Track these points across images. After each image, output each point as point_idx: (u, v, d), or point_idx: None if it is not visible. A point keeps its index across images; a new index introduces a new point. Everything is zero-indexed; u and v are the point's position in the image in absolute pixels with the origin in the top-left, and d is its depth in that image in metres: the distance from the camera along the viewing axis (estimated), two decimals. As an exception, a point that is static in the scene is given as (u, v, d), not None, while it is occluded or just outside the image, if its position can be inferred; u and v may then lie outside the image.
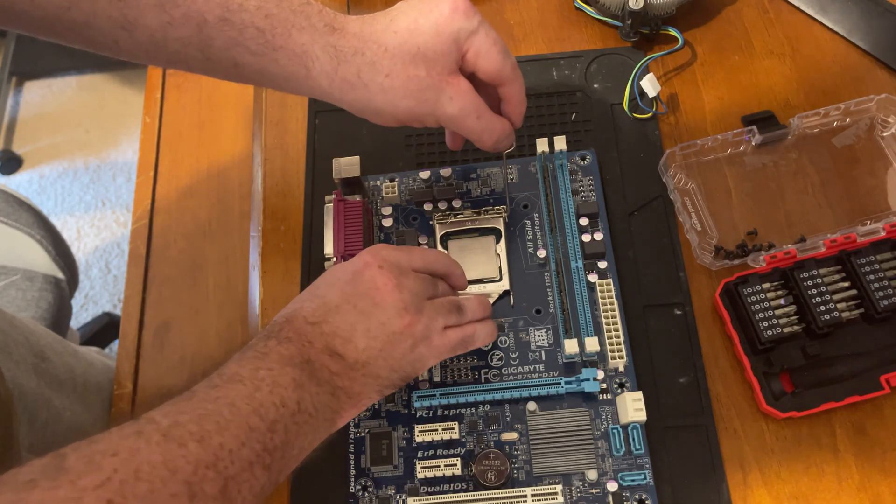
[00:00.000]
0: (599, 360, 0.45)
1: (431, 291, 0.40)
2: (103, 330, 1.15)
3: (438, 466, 0.42)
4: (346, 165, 0.49)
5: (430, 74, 0.39)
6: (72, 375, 0.64)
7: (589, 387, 0.44)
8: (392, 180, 0.52)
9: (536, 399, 0.45)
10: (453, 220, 0.49)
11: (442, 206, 0.51)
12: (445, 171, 0.51)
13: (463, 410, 0.45)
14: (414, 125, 0.41)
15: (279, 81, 0.39)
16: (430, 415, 0.45)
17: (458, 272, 0.43)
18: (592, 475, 0.43)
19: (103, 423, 0.67)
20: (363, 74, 0.38)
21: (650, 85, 0.52)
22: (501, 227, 0.49)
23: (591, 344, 0.44)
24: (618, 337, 0.45)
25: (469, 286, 0.48)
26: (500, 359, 0.46)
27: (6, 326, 0.58)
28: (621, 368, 0.45)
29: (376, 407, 0.45)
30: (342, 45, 0.38)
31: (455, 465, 0.42)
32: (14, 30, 0.37)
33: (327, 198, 0.50)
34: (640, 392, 0.43)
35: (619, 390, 0.45)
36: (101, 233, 1.39)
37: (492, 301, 0.47)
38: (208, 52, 0.38)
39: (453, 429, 0.43)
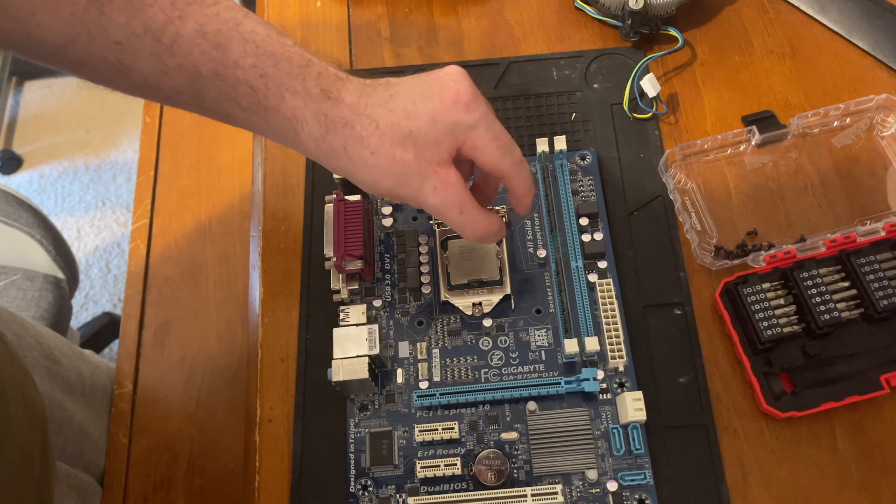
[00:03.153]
0: (599, 359, 0.45)
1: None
2: (103, 330, 1.14)
3: (438, 466, 0.42)
4: (346, 165, 0.49)
5: (418, 160, 0.37)
6: (80, 378, 0.64)
7: (589, 386, 0.44)
8: (392, 180, 0.52)
9: (536, 399, 0.45)
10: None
11: (442, 205, 0.51)
12: (445, 171, 0.51)
13: (463, 410, 0.45)
14: (397, 201, 0.40)
15: (269, 135, 0.39)
16: (430, 414, 0.45)
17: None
18: (592, 475, 0.43)
19: (108, 427, 0.68)
20: (349, 147, 0.37)
21: (650, 85, 0.52)
22: (501, 227, 0.49)
23: (591, 344, 0.44)
24: (618, 337, 0.45)
25: (469, 288, 0.48)
26: (500, 359, 0.46)
27: (19, 330, 0.58)
28: (621, 368, 0.45)
29: (376, 407, 0.45)
30: (334, 115, 0.37)
31: (455, 464, 0.42)
32: (15, 54, 0.38)
33: (327, 198, 0.50)
34: (640, 392, 0.43)
35: (619, 390, 0.45)
36: (101, 233, 1.39)
37: (492, 305, 0.47)
38: (201, 101, 0.37)
39: (453, 428, 0.43)
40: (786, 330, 0.44)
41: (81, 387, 0.64)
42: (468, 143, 0.38)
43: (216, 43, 0.36)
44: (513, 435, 0.44)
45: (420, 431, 0.43)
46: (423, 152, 0.37)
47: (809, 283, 0.45)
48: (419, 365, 0.46)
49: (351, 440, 0.45)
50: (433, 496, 0.42)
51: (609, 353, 0.45)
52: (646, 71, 0.53)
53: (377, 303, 0.48)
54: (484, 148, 0.38)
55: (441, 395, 0.44)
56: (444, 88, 0.37)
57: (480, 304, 0.47)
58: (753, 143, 0.51)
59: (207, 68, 0.36)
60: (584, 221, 0.49)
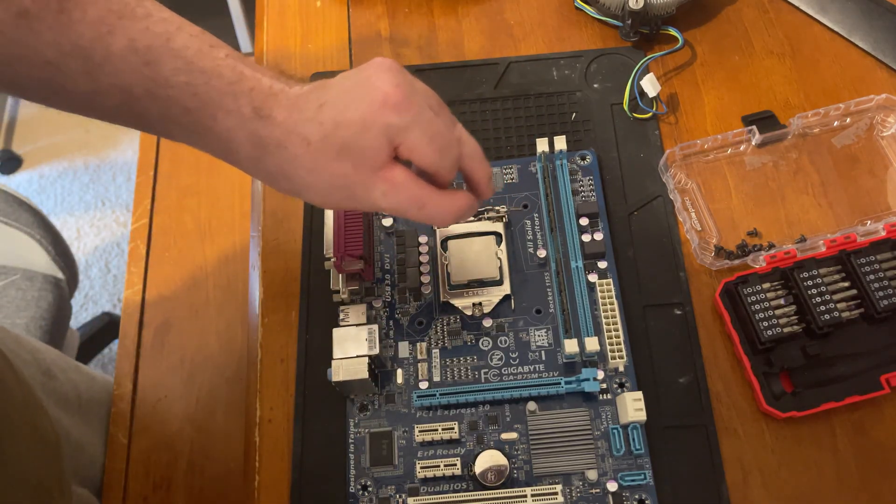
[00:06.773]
0: (599, 359, 0.45)
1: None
2: (103, 330, 1.14)
3: (438, 466, 0.42)
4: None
5: (358, 170, 0.35)
6: (77, 392, 0.64)
7: (589, 387, 0.44)
8: (392, 180, 0.52)
9: (536, 399, 0.45)
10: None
11: (442, 206, 0.50)
12: (445, 171, 0.51)
13: (463, 410, 0.45)
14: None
15: (215, 155, 0.37)
16: (430, 415, 0.45)
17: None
18: (592, 475, 0.43)
19: (104, 440, 0.67)
20: (286, 169, 0.36)
21: (650, 85, 0.52)
22: (501, 230, 0.49)
23: (591, 344, 0.44)
24: (618, 337, 0.45)
25: (469, 288, 0.48)
26: (500, 359, 0.46)
27: (14, 346, 0.57)
28: (621, 368, 0.45)
29: (376, 407, 0.45)
30: (266, 136, 0.35)
31: (455, 465, 0.42)
32: None
33: (327, 198, 0.50)
34: (640, 392, 0.43)
35: (619, 390, 0.45)
36: (101, 233, 1.39)
37: (492, 305, 0.47)
38: (141, 121, 0.36)
39: (453, 429, 0.43)
40: (786, 330, 0.44)
41: (78, 401, 0.63)
42: (404, 145, 0.35)
43: (147, 60, 0.34)
44: (513, 435, 0.44)
45: (420, 431, 0.43)
46: (361, 161, 0.35)
47: (809, 283, 0.45)
48: (419, 365, 0.46)
49: (351, 440, 0.45)
50: (433, 496, 0.42)
51: (609, 354, 0.45)
52: (646, 71, 0.53)
53: (377, 303, 0.48)
54: (420, 150, 0.36)
55: (441, 395, 0.44)
56: (372, 89, 0.35)
57: (480, 304, 0.47)
58: (753, 143, 0.51)
59: (141, 88, 0.34)
60: (584, 221, 0.49)
